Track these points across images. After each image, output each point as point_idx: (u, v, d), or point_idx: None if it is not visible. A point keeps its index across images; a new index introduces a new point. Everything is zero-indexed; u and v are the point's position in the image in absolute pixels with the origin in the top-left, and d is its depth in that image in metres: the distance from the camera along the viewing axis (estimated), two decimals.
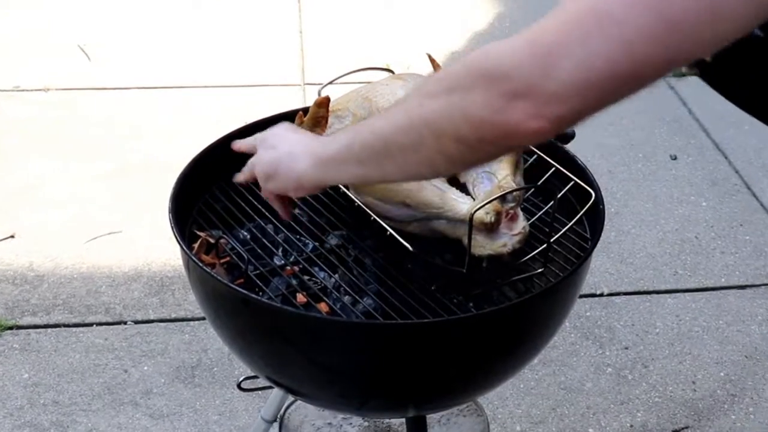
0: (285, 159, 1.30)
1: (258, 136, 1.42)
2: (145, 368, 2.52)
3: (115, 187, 3.22)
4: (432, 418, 2.05)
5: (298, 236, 1.60)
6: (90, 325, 2.65)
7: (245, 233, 1.61)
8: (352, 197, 1.56)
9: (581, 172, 1.62)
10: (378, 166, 1.11)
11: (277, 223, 1.61)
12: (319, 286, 1.50)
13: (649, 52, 0.86)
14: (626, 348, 2.63)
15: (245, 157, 1.72)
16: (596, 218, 1.55)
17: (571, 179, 1.59)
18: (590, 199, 1.56)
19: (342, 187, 1.58)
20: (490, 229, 1.42)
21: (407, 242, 1.45)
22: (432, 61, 1.73)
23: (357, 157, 1.13)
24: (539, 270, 1.50)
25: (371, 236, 1.57)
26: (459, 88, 0.95)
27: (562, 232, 1.53)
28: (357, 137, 1.14)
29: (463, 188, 1.51)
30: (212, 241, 1.55)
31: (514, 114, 0.90)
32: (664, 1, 0.84)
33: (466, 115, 0.94)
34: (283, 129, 1.39)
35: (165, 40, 4.21)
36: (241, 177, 1.44)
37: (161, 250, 2.89)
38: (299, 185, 1.28)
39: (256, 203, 1.63)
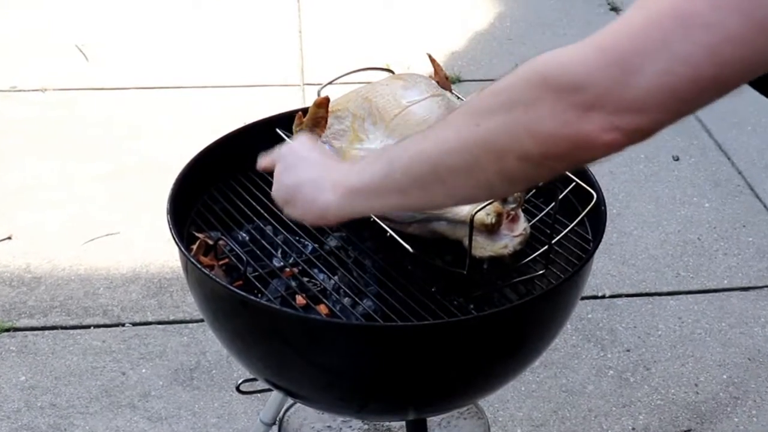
0: (307, 186, 1.20)
1: (278, 151, 1.34)
2: (143, 371, 2.50)
3: (113, 187, 3.20)
4: (432, 421, 2.04)
5: (297, 238, 1.59)
6: (87, 327, 2.64)
7: (244, 235, 1.60)
8: None
9: (583, 172, 1.61)
10: (424, 193, 1.03)
11: (276, 225, 1.60)
12: (319, 288, 1.49)
13: (736, 55, 0.81)
14: (628, 350, 2.62)
15: (244, 157, 1.71)
16: (598, 219, 1.55)
17: (573, 180, 1.58)
18: (592, 200, 1.55)
19: None
20: (491, 230, 1.41)
21: (407, 243, 1.44)
22: (432, 61, 1.73)
23: (398, 185, 1.05)
24: (540, 272, 1.49)
25: (371, 238, 1.56)
26: (521, 103, 0.89)
27: (563, 233, 1.52)
28: (395, 164, 1.05)
29: None
30: (211, 242, 1.54)
31: (586, 126, 0.85)
32: (753, 1, 0.79)
33: (531, 131, 0.88)
34: (303, 146, 1.30)
35: (164, 40, 4.20)
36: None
37: (159, 251, 2.87)
38: (322, 217, 1.20)
39: (255, 204, 1.63)
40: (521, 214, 1.47)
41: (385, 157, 1.10)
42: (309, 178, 1.21)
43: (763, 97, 1.13)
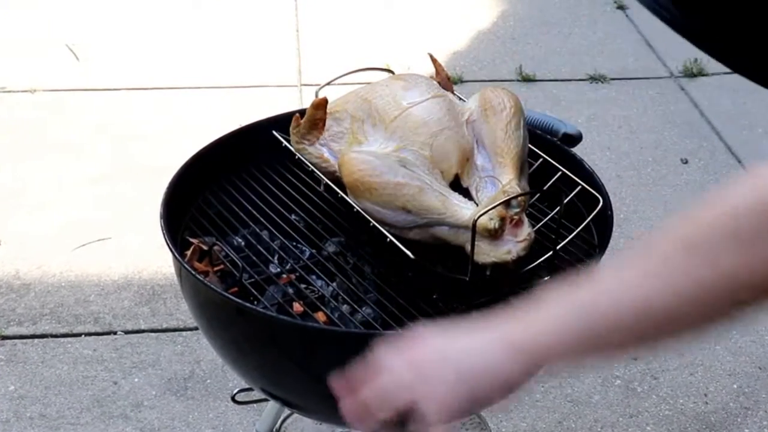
0: (468, 372, 0.99)
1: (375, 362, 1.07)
2: (136, 380, 2.47)
3: (105, 191, 3.17)
4: None
5: (294, 243, 1.58)
6: (78, 335, 2.61)
7: (239, 240, 1.59)
8: (351, 203, 1.53)
9: (589, 176, 1.60)
10: (643, 344, 0.96)
11: (273, 230, 1.60)
12: (317, 295, 1.48)
13: None
14: (635, 359, 2.58)
15: (240, 160, 1.68)
16: (604, 224, 1.54)
17: (578, 184, 1.57)
18: (598, 205, 1.54)
19: (340, 191, 1.55)
20: (494, 235, 1.40)
21: (408, 249, 1.42)
22: (433, 61, 1.75)
23: (606, 341, 0.94)
24: (545, 278, 1.48)
25: (370, 243, 1.54)
26: (756, 235, 0.84)
27: (568, 238, 1.51)
28: (596, 318, 0.93)
29: (465, 193, 1.49)
30: (205, 248, 1.53)
31: None
32: None
33: None
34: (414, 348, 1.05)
35: (156, 39, 4.17)
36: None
37: (152, 257, 2.84)
38: (508, 391, 1.01)
39: (250, 209, 1.62)
40: (525, 219, 1.46)
41: (567, 311, 0.95)
42: (467, 364, 0.99)
43: None
